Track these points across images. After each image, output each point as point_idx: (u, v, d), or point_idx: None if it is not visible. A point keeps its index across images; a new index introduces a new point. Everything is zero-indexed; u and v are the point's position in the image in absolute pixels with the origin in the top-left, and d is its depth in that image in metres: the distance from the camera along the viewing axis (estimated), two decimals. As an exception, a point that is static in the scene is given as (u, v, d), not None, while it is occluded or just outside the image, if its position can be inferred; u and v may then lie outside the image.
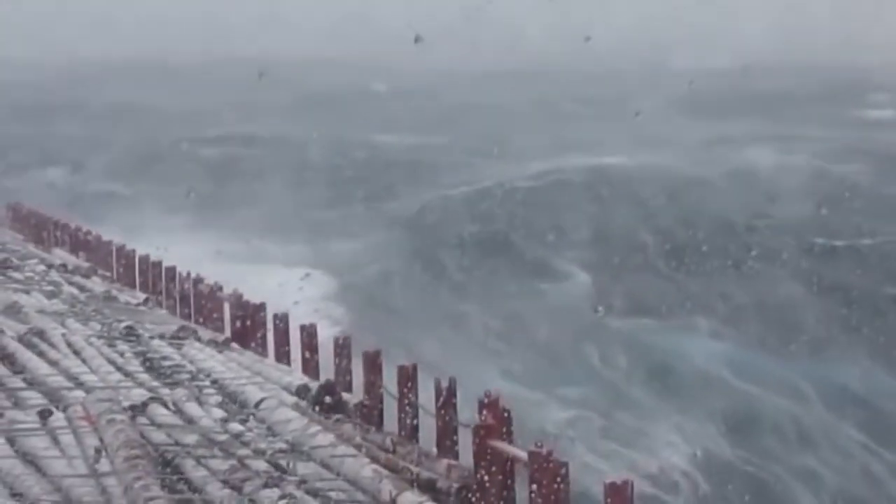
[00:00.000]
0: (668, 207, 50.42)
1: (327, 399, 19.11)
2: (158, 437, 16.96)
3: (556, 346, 34.83)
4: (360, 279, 40.09)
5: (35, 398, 19.03)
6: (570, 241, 45.85)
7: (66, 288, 30.75)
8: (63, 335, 23.52)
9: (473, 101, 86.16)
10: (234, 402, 18.98)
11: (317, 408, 18.89)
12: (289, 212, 48.16)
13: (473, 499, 15.51)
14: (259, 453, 16.27)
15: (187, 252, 31.98)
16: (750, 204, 50.80)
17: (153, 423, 17.53)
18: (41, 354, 21.97)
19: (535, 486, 14.66)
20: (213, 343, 24.18)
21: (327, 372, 21.76)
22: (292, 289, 29.59)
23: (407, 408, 18.92)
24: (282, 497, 14.35)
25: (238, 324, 25.77)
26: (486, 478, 15.60)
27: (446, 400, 17.90)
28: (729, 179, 55.02)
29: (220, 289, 27.82)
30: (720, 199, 51.73)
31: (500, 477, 15.62)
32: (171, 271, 30.88)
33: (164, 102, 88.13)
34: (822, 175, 55.21)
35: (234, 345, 24.73)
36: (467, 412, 17.32)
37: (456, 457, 17.29)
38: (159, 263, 31.86)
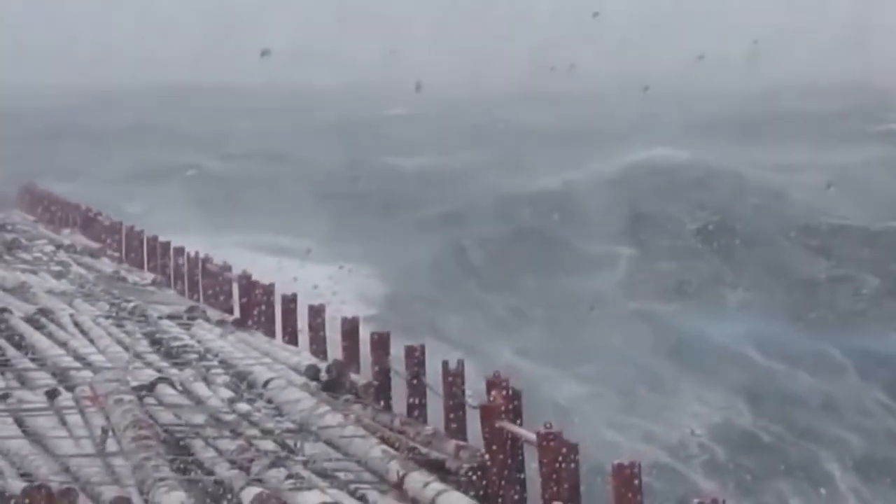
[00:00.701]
0: (687, 198, 50.80)
1: (322, 377, 19.08)
2: (166, 417, 16.93)
3: (579, 327, 34.96)
4: (382, 272, 40.12)
5: (43, 378, 19.00)
6: (595, 234, 46.20)
7: (75, 268, 30.73)
8: (71, 315, 23.48)
9: (487, 123, 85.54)
10: (242, 383, 18.91)
11: (323, 376, 18.88)
12: (306, 216, 48.03)
13: (482, 479, 15.41)
14: (267, 433, 16.22)
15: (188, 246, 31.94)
16: (768, 191, 51.47)
17: (161, 404, 17.48)
18: (49, 335, 21.93)
19: (544, 467, 14.54)
20: (221, 323, 24.11)
21: (339, 353, 21.67)
22: (293, 266, 29.52)
23: (415, 388, 18.86)
24: (289, 476, 14.29)
25: (247, 304, 25.68)
26: (489, 459, 15.48)
27: (455, 380, 17.83)
28: (750, 173, 55.52)
29: (229, 269, 27.75)
30: (741, 188, 52.33)
31: (508, 457, 15.50)
32: (180, 252, 30.84)
33: (178, 126, 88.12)
34: (841, 169, 55.79)
35: (243, 325, 24.64)
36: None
37: (465, 437, 17.21)
38: (168, 244, 31.83)
